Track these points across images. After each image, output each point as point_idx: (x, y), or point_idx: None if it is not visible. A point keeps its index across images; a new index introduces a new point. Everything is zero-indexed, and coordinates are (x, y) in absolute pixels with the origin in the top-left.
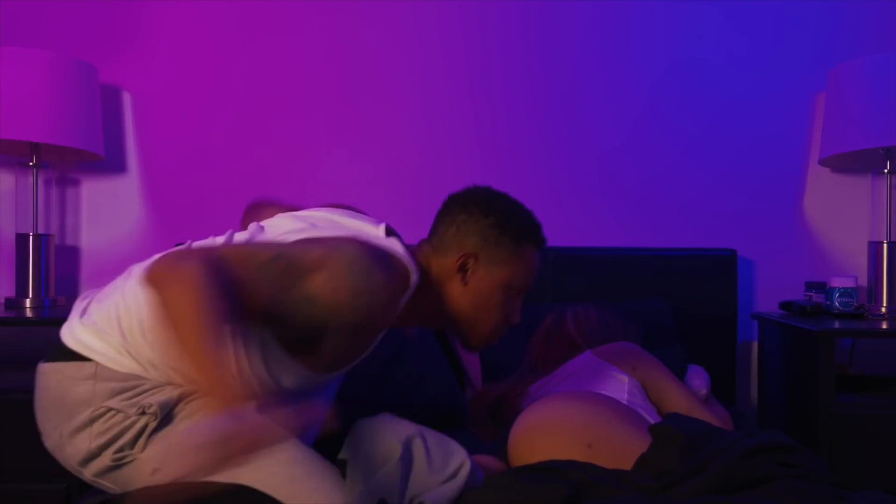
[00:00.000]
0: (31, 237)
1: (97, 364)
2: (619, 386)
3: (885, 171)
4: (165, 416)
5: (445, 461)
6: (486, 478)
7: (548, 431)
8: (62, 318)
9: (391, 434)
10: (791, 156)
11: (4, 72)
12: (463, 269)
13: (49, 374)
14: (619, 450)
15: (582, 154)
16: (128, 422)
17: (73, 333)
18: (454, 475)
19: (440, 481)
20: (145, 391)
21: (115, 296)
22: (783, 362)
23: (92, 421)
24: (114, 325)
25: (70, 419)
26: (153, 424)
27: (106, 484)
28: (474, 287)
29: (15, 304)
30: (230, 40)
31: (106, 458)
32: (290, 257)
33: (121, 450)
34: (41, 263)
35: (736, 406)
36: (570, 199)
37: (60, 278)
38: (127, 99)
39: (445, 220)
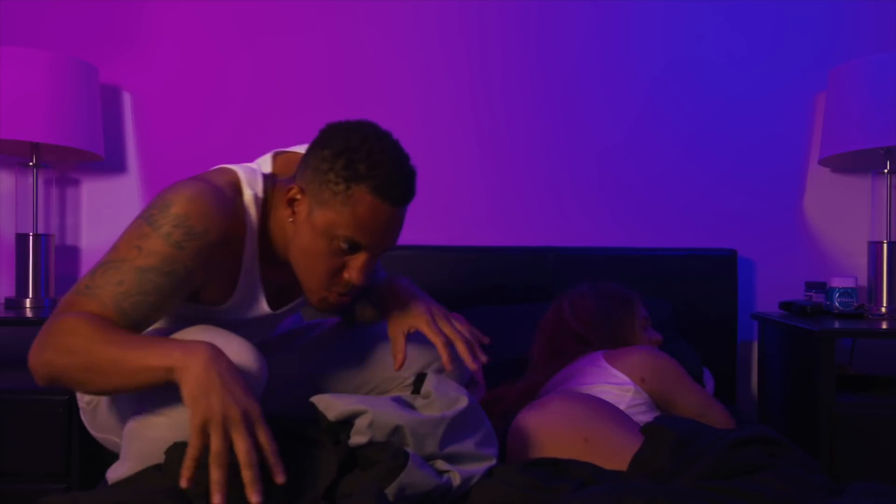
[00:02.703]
0: (31, 237)
1: None
2: (619, 396)
3: (885, 171)
4: None
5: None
6: (492, 471)
7: (546, 428)
8: None
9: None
10: (791, 156)
11: (4, 72)
12: (292, 203)
13: None
14: (614, 445)
15: (581, 154)
16: None
17: None
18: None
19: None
20: None
21: None
22: (783, 362)
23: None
24: None
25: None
26: None
27: (110, 437)
28: (299, 227)
29: (15, 304)
30: (230, 40)
31: (87, 412)
32: (104, 260)
33: (90, 401)
34: (41, 263)
35: (736, 406)
36: (570, 198)
37: (60, 278)
38: (127, 99)
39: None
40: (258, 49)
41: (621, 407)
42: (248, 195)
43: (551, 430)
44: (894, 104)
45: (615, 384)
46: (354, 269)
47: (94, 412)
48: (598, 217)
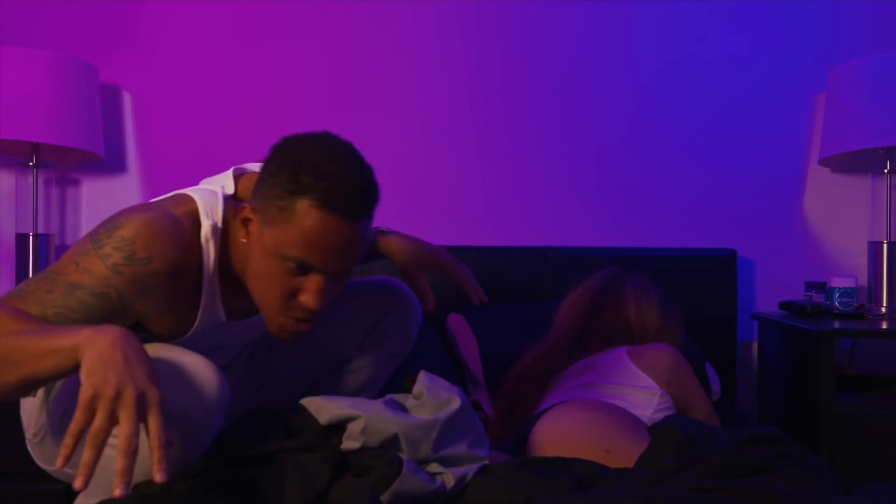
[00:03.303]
0: (31, 237)
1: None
2: (647, 401)
3: (885, 171)
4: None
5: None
6: (488, 468)
7: (567, 438)
8: None
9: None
10: (791, 156)
11: (4, 72)
12: (246, 223)
13: None
14: (633, 454)
15: (580, 154)
16: (35, 407)
17: None
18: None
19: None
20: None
21: None
22: (783, 362)
23: (27, 424)
24: None
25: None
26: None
27: (64, 470)
28: (252, 249)
29: None
30: (230, 40)
31: (34, 445)
32: (45, 270)
33: (37, 432)
34: (41, 263)
35: (736, 405)
36: (569, 198)
37: None
38: (127, 99)
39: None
40: (258, 49)
41: (648, 411)
42: (206, 226)
43: (572, 441)
44: (894, 104)
45: (642, 388)
46: (310, 292)
47: (42, 445)
48: (597, 217)
